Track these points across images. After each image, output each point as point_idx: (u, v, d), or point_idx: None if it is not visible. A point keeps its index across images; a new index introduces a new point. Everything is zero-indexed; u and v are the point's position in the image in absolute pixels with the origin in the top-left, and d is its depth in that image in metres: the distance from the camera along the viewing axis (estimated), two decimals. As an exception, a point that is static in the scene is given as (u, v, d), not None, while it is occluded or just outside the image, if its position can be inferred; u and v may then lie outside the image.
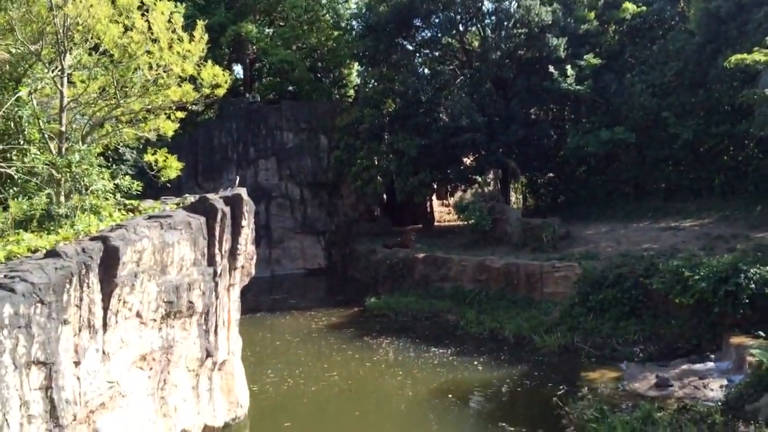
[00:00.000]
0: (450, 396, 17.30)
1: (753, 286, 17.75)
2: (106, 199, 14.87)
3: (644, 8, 36.42)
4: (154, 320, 12.98)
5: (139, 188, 16.28)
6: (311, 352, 22.29)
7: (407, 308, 27.06)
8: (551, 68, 33.67)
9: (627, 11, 36.39)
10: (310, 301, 32.16)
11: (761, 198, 28.06)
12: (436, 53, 41.54)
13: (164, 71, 16.24)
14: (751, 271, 18.00)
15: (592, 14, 36.74)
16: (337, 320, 27.15)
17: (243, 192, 16.39)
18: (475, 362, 20.11)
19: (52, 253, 10.51)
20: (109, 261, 11.30)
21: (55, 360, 10.04)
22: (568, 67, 33.52)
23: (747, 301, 17.70)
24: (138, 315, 12.45)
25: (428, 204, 44.06)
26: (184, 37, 16.71)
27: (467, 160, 38.42)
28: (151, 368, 13.18)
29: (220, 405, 15.67)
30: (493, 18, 37.61)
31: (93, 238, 11.50)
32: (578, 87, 33.14)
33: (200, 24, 17.33)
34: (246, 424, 16.21)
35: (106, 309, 11.44)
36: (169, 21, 16.27)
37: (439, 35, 39.15)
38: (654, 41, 35.29)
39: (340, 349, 22.55)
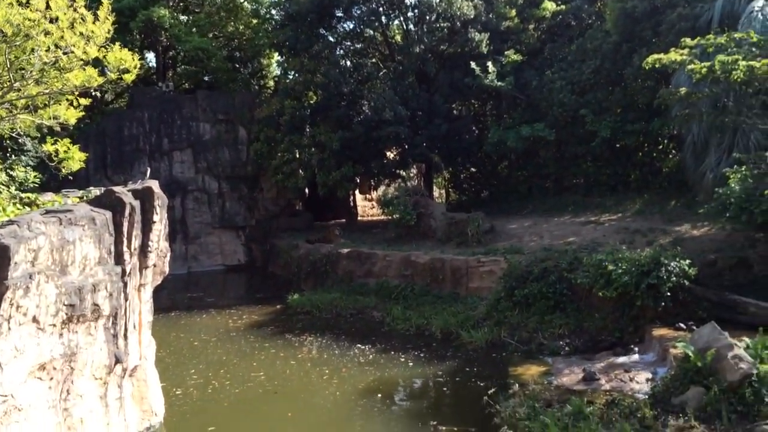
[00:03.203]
0: (378, 395, 16.72)
1: (673, 278, 18.08)
2: (-1, 191, 13.38)
3: (563, 7, 37.11)
4: (54, 325, 11.68)
5: (37, 180, 14.78)
6: (232, 352, 21.21)
7: (331, 305, 26.27)
8: (473, 64, 33.69)
9: (546, 10, 36.98)
10: (229, 299, 30.86)
11: (674, 193, 29.01)
12: (359, 45, 40.88)
13: (64, 53, 14.76)
14: (672, 264, 18.33)
15: (513, 12, 37.10)
16: (258, 318, 26.08)
17: (154, 185, 15.17)
18: (403, 359, 19.63)
19: (-71, 252, 9.16)
20: (-1, 261, 10.01)
21: (-67, 374, 8.75)
22: (490, 63, 33.64)
23: (668, 294, 18.00)
24: (35, 320, 11.15)
25: (351, 199, 43.40)
26: (88, 16, 15.25)
27: (390, 155, 38.02)
28: (51, 378, 11.88)
29: (132, 414, 14.44)
30: (416, 11, 37.34)
31: (-21, 235, 10.15)
32: (500, 83, 33.32)
33: (105, 3, 15.86)
34: (161, 432, 15.07)
35: (-4, 314, 10.14)
36: (71, -1, 14.80)
37: (362, 27, 38.57)
38: (572, 40, 35.95)
39: (262, 347, 21.57)
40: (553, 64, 34.94)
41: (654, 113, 29.56)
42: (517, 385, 15.40)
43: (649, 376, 15.80)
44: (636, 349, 18.10)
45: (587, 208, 30.25)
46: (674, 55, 22.92)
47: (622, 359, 17.55)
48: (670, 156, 32.17)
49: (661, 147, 32.73)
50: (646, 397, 14.10)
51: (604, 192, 32.09)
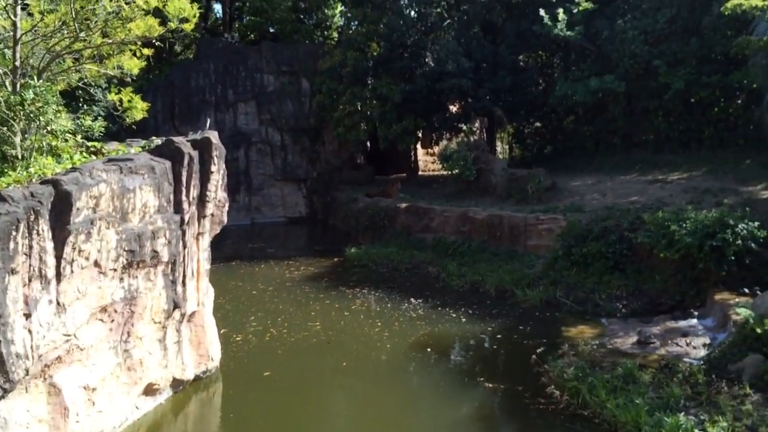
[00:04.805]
0: (429, 350, 16.88)
1: (739, 241, 17.26)
2: (66, 140, 13.89)
3: (639, -48, 35.08)
4: (115, 270, 12.23)
5: (102, 129, 15.27)
6: (288, 301, 21.77)
7: (387, 259, 26.48)
8: (542, 12, 32.46)
9: (622, -46, 35.01)
10: (288, 250, 31.53)
11: (750, 151, 27.55)
12: (423, -5, 39.98)
13: (127, 3, 15.05)
14: (739, 226, 17.49)
15: (586, -43, 35.34)
16: (316, 270, 26.58)
17: (213, 135, 15.45)
18: (455, 315, 19.68)
19: (-4, 198, 9.67)
20: (61, 206, 10.48)
21: (2, 312, 9.33)
22: (560, 11, 32.34)
23: (733, 257, 17.23)
24: (96, 264, 11.69)
25: (412, 152, 43.18)
26: (150, -34, 15.44)
27: (453, 108, 37.45)
28: (112, 320, 12.50)
29: (189, 358, 15.08)
30: (483, -43, 36.13)
31: (43, 182, 10.63)
32: (569, 33, 32.03)
33: (167, -48, 16.00)
34: (218, 377, 15.66)
35: (59, 258, 10.66)
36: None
37: (427, -25, 37.64)
38: (648, -14, 34.04)
39: (317, 298, 22.03)
40: (626, 13, 33.28)
41: (733, 65, 27.90)
42: (567, 345, 15.24)
43: (707, 341, 15.33)
44: (696, 313, 17.52)
45: (656, 165, 29.07)
46: (756, 0, 21.53)
47: (680, 323, 17.02)
48: (748, 112, 30.44)
49: (739, 102, 30.95)
50: (701, 363, 13.71)
51: (675, 149, 30.72)
